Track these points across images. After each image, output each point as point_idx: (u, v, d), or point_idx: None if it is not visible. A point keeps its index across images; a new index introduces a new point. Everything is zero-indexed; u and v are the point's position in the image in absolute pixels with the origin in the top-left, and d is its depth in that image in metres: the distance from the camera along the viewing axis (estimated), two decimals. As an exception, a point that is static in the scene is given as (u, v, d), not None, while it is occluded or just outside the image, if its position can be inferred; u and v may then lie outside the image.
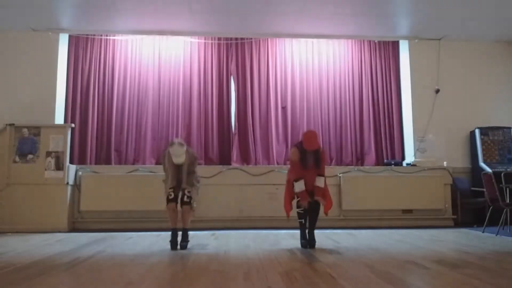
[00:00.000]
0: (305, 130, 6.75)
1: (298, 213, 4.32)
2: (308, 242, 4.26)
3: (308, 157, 4.29)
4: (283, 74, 7.19)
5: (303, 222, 4.33)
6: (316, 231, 5.26)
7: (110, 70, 6.96)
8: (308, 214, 4.33)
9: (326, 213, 4.38)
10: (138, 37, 7.02)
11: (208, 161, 6.78)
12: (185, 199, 4.31)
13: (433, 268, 3.19)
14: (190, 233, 5.28)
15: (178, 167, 4.34)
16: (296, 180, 4.25)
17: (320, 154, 4.34)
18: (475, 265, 3.31)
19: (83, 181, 6.03)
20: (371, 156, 7.05)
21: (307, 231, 4.34)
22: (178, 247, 4.20)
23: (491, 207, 5.45)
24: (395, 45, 7.39)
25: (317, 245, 4.36)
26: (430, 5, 5.91)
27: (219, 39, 7.12)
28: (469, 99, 7.10)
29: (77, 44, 6.93)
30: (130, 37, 7.02)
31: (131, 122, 6.86)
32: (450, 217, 6.42)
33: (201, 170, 5.85)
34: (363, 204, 6.24)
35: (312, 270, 3.15)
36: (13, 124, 5.93)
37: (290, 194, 4.38)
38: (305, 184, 4.24)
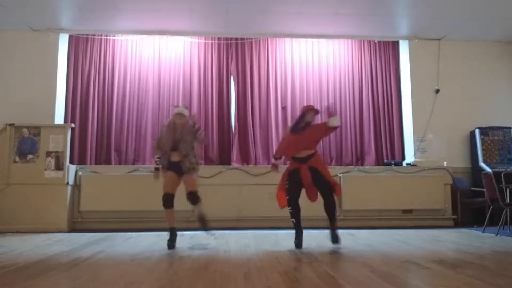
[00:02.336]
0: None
1: (289, 212, 4.29)
2: (331, 238, 4.23)
3: (300, 122, 4.40)
4: (283, 74, 7.19)
5: (295, 221, 4.28)
6: (316, 231, 5.27)
7: (110, 70, 6.95)
8: (326, 211, 4.28)
9: (339, 194, 4.39)
10: (138, 37, 7.02)
11: (208, 161, 6.78)
12: (188, 164, 4.26)
13: (433, 268, 3.19)
14: (190, 233, 5.30)
15: (176, 135, 4.30)
16: (275, 158, 4.62)
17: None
18: (475, 265, 3.31)
19: (83, 181, 6.03)
20: (371, 156, 7.05)
21: (329, 230, 4.30)
22: (176, 246, 4.24)
23: (491, 207, 5.45)
24: (395, 45, 7.39)
25: (317, 245, 4.36)
26: (430, 5, 5.91)
27: (219, 39, 7.12)
28: (469, 99, 7.10)
29: (77, 44, 6.93)
30: (130, 37, 7.02)
31: (131, 122, 6.86)
32: (450, 217, 6.42)
33: (201, 170, 5.85)
34: (363, 204, 6.24)
35: (312, 270, 3.15)
36: (13, 124, 5.93)
37: (283, 183, 4.39)
38: (296, 145, 4.33)
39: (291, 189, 4.30)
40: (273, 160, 4.75)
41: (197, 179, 4.41)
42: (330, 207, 4.28)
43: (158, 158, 4.36)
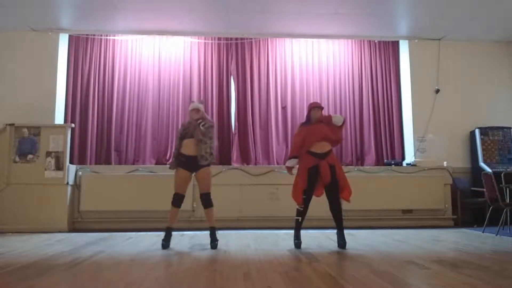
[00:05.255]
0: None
1: (297, 209, 4.27)
2: (337, 243, 4.23)
3: (312, 116, 4.38)
4: (283, 74, 7.19)
5: (300, 220, 4.27)
6: (315, 231, 5.28)
7: (110, 70, 6.96)
8: (332, 213, 4.25)
9: (348, 200, 4.32)
10: (138, 37, 7.02)
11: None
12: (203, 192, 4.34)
13: (433, 268, 3.19)
14: (190, 233, 5.31)
15: (192, 133, 4.30)
16: (289, 158, 4.47)
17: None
18: (475, 265, 3.31)
19: (83, 181, 6.03)
20: (371, 156, 7.05)
21: (336, 231, 4.29)
22: (170, 246, 4.25)
23: (491, 207, 5.45)
24: (395, 45, 7.39)
25: (317, 245, 4.36)
26: (430, 5, 5.91)
27: (219, 39, 7.12)
28: (469, 99, 7.10)
29: (77, 44, 6.93)
30: (130, 37, 7.02)
31: (131, 122, 6.86)
32: (450, 217, 6.42)
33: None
34: (363, 204, 6.22)
35: (312, 270, 3.15)
36: (13, 124, 5.92)
37: (302, 182, 4.26)
38: (313, 135, 4.26)
39: (309, 189, 4.23)
40: (287, 163, 4.51)
41: (211, 177, 4.40)
42: (335, 210, 4.25)
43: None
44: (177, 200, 4.31)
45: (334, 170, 4.25)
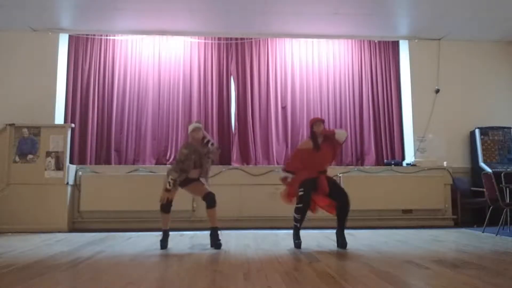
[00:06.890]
0: (305, 130, 6.81)
1: (294, 217, 4.21)
2: (337, 242, 4.23)
3: (315, 136, 4.36)
4: (283, 74, 7.19)
5: (298, 226, 4.23)
6: (315, 231, 5.27)
7: (110, 70, 6.96)
8: (337, 212, 4.23)
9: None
10: (138, 37, 7.02)
11: (208, 161, 6.77)
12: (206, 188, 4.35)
13: (433, 268, 3.19)
14: (190, 233, 5.31)
15: (196, 156, 4.29)
16: (285, 171, 4.43)
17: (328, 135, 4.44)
18: (475, 265, 3.31)
19: (83, 181, 6.03)
20: (371, 156, 7.05)
21: (336, 231, 4.28)
22: (168, 246, 4.23)
23: (491, 207, 5.45)
24: (395, 45, 7.39)
25: (317, 245, 4.36)
26: (430, 5, 5.91)
27: (219, 39, 7.12)
28: (469, 99, 7.10)
29: (77, 44, 6.93)
30: (130, 37, 7.02)
31: (131, 122, 6.86)
32: (450, 217, 6.42)
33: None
34: (363, 204, 6.21)
35: (312, 270, 3.15)
36: (13, 124, 5.93)
37: (294, 189, 4.27)
38: (316, 165, 4.28)
39: (306, 197, 4.16)
40: (283, 174, 4.46)
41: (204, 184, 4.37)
42: (345, 213, 4.22)
43: (173, 179, 4.18)
44: (167, 206, 4.20)
45: (334, 182, 4.36)
